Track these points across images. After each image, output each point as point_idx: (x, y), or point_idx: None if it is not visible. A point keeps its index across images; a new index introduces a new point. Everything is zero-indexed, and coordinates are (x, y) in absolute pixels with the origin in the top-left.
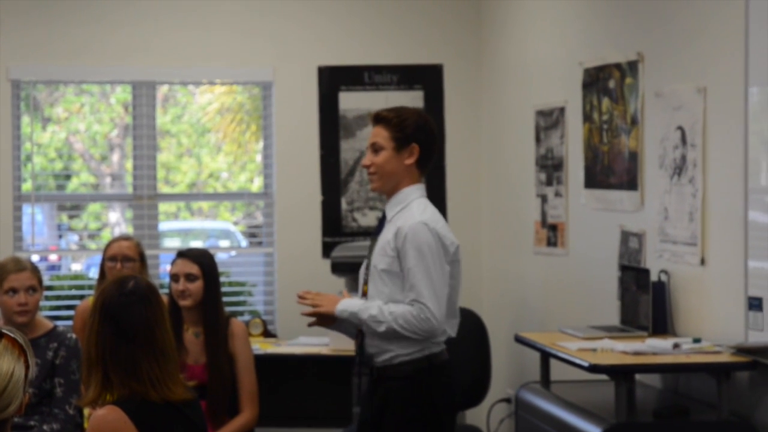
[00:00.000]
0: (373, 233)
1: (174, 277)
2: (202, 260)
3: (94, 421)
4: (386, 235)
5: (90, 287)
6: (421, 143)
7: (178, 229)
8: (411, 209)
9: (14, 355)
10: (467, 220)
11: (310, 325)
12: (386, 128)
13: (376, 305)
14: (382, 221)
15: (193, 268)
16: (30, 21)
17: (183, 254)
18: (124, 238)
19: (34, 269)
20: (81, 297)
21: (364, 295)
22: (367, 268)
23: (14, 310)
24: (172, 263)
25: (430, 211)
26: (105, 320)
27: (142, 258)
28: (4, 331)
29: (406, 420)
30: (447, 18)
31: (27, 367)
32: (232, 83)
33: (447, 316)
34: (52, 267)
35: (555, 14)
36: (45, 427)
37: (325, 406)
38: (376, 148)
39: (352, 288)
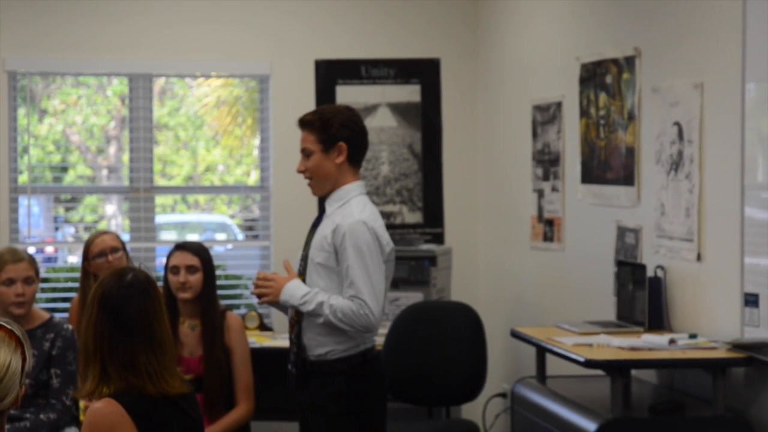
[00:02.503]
0: (311, 226)
1: (174, 269)
2: (201, 253)
3: (91, 413)
4: (324, 230)
5: None
6: (347, 140)
7: (174, 222)
8: (351, 206)
9: (11, 347)
10: (464, 214)
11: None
12: (311, 132)
13: (316, 300)
14: (320, 215)
15: (194, 260)
16: (27, 13)
17: (183, 246)
18: (102, 232)
19: (31, 260)
20: (77, 289)
21: None
22: (303, 259)
23: (11, 301)
24: (170, 255)
25: (368, 209)
26: (103, 313)
27: (124, 247)
28: (1, 322)
29: (339, 413)
30: (444, 12)
31: (24, 360)
32: (229, 76)
33: None
34: (49, 259)
35: (552, 9)
36: (42, 416)
37: None
38: (306, 153)
39: None
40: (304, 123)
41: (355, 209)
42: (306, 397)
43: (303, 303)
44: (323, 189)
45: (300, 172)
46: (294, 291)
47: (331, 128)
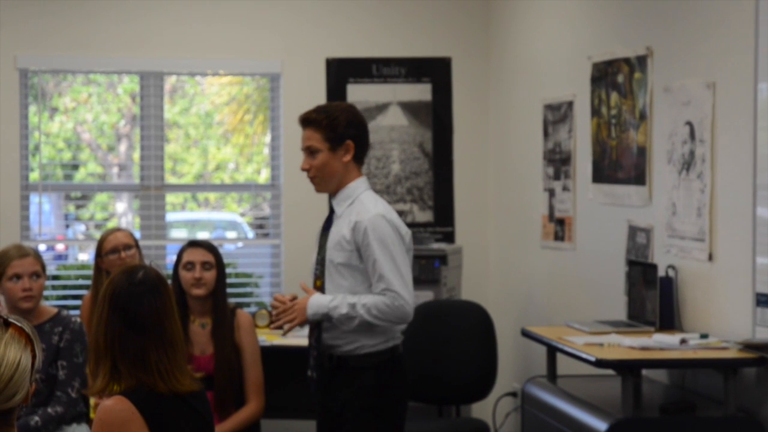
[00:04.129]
0: (322, 228)
1: (188, 265)
2: (215, 250)
3: (102, 411)
4: (340, 230)
5: None
6: (354, 138)
7: (184, 220)
8: (362, 203)
9: (21, 344)
10: (474, 213)
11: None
12: (317, 130)
13: (345, 303)
14: (330, 217)
15: (209, 257)
16: (38, 10)
17: (196, 243)
18: (116, 229)
19: (37, 255)
20: (88, 287)
21: (317, 289)
22: (320, 263)
23: (19, 296)
24: (183, 252)
25: (381, 203)
26: (114, 310)
27: (137, 244)
28: (11, 320)
29: (366, 408)
30: (456, 11)
31: (33, 357)
32: (240, 74)
33: None
34: (59, 257)
35: (564, 8)
36: (49, 409)
37: None
38: (311, 151)
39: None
40: (309, 121)
41: (369, 204)
42: (331, 393)
43: (334, 308)
44: (328, 187)
45: (304, 170)
46: (320, 301)
47: (338, 127)
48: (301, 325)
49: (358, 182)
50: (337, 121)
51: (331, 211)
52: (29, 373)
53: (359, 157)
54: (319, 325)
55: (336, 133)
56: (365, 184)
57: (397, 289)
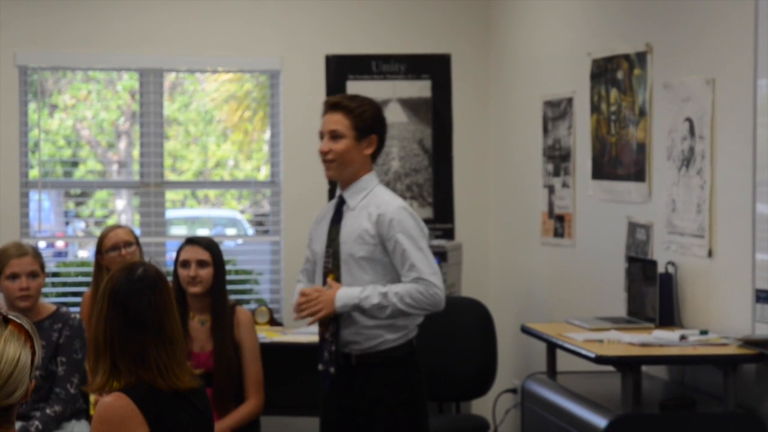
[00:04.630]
0: (331, 220)
1: (184, 263)
2: (212, 247)
3: (101, 408)
4: (360, 223)
5: None
6: (378, 134)
7: (184, 217)
8: (379, 196)
9: (20, 340)
10: (474, 210)
11: (310, 324)
12: (347, 116)
13: (377, 293)
14: (340, 209)
15: (205, 255)
16: (37, 7)
17: (194, 241)
18: (116, 226)
19: (36, 254)
20: (88, 284)
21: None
22: (332, 256)
23: (16, 295)
24: (181, 250)
25: (397, 196)
26: (114, 307)
27: (137, 241)
28: (11, 316)
29: (398, 404)
30: (455, 8)
31: (33, 353)
32: (239, 71)
33: None
34: (59, 254)
35: (563, 5)
36: (48, 410)
37: None
38: (335, 135)
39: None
40: (339, 106)
41: (387, 198)
42: (352, 391)
43: (365, 298)
44: (342, 174)
45: (323, 152)
46: (349, 293)
47: (367, 119)
48: (326, 318)
49: (371, 176)
50: (367, 113)
51: (340, 203)
52: (29, 369)
53: (377, 154)
54: (336, 319)
55: (364, 124)
56: (377, 178)
57: (429, 277)
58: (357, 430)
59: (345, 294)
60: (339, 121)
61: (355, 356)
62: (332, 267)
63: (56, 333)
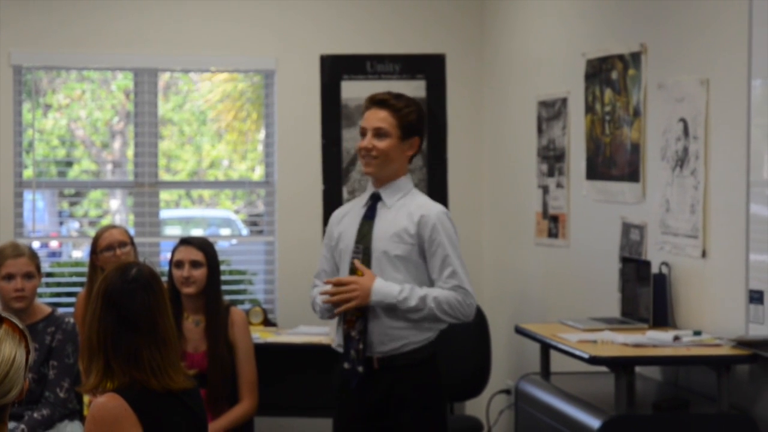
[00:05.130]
0: (364, 216)
1: (178, 264)
2: (206, 248)
3: (95, 408)
4: (399, 222)
5: None
6: (420, 136)
7: (178, 217)
8: (416, 198)
9: (15, 339)
10: (468, 210)
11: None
12: (393, 115)
13: (416, 296)
14: (374, 206)
15: (198, 255)
16: (32, 7)
17: (187, 241)
18: (111, 227)
19: (32, 255)
20: (82, 284)
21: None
22: (363, 252)
23: (11, 295)
24: (175, 250)
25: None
26: (107, 307)
27: (132, 242)
28: (5, 315)
29: (424, 406)
30: (450, 8)
31: (27, 353)
32: (234, 71)
33: None
34: (53, 254)
35: (558, 5)
36: (35, 414)
37: (324, 395)
38: (380, 133)
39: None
40: (386, 103)
41: (428, 200)
42: (378, 393)
43: (403, 300)
44: (381, 172)
45: (365, 149)
46: (387, 289)
47: (413, 121)
48: (355, 312)
49: (408, 177)
50: (413, 114)
51: (375, 200)
52: (24, 369)
53: (413, 157)
54: (364, 317)
55: (410, 125)
56: (411, 181)
57: (468, 288)
58: None
59: (381, 290)
60: (384, 119)
61: (377, 359)
62: (362, 262)
63: (49, 336)
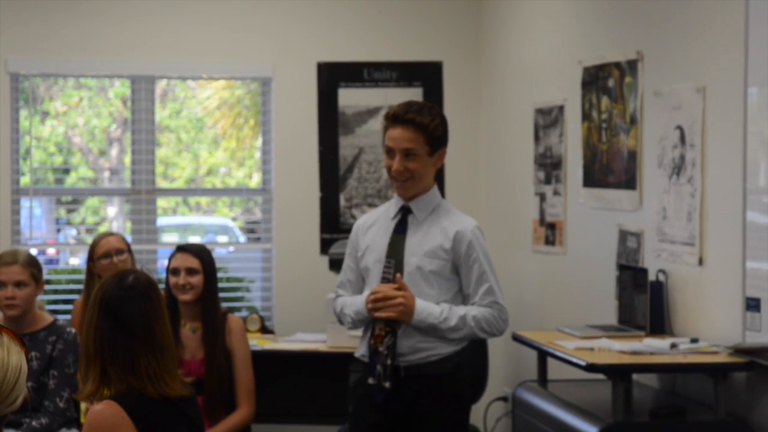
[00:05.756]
0: (394, 230)
1: (174, 271)
2: (203, 255)
3: (92, 416)
4: (433, 237)
5: None
6: (446, 146)
7: (176, 224)
8: (450, 211)
9: (18, 348)
10: None
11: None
12: (420, 133)
13: (456, 316)
14: (404, 220)
15: (194, 263)
16: (29, 14)
17: (183, 248)
18: (108, 234)
19: (28, 263)
20: (79, 291)
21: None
22: (395, 267)
23: (3, 303)
24: (171, 257)
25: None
26: (104, 314)
27: (129, 248)
28: (3, 325)
29: (450, 415)
30: (447, 15)
31: (28, 361)
32: (231, 79)
33: None
34: (50, 261)
35: (555, 12)
36: (34, 422)
37: (321, 402)
38: (409, 153)
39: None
40: (412, 122)
41: (460, 214)
42: (403, 404)
43: (443, 320)
44: (414, 191)
45: (398, 172)
46: (430, 310)
47: (440, 133)
48: (388, 324)
49: (435, 189)
50: (439, 127)
51: (405, 213)
52: (26, 376)
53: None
54: (393, 332)
55: (437, 139)
56: (439, 193)
57: (502, 303)
58: None
59: (425, 310)
60: (413, 139)
61: (404, 368)
62: (391, 277)
63: (50, 345)
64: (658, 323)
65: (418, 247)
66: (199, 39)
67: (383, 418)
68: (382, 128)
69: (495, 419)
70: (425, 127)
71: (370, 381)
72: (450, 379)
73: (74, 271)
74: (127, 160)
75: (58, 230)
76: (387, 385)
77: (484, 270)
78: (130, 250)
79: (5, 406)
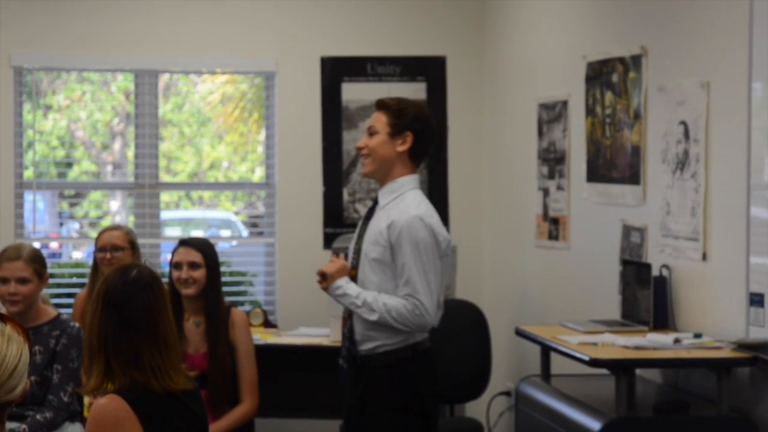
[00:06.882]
0: (364, 218)
1: (177, 265)
2: (205, 249)
3: (96, 409)
4: (379, 224)
5: None
6: (416, 133)
7: (179, 218)
8: (405, 200)
9: (20, 338)
10: (469, 212)
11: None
12: (385, 114)
13: (371, 296)
14: (373, 207)
15: (197, 257)
16: (32, 8)
17: (186, 242)
18: (114, 227)
19: (31, 259)
20: (81, 285)
21: (352, 279)
22: (356, 253)
23: (5, 298)
24: (174, 251)
25: (424, 205)
26: (108, 309)
27: (133, 246)
28: (7, 316)
29: (390, 409)
30: (450, 10)
31: (31, 353)
32: (234, 73)
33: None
34: (53, 255)
35: (558, 7)
36: (38, 416)
37: (324, 396)
38: (371, 132)
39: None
40: (382, 104)
41: (411, 204)
42: (357, 392)
43: (356, 297)
44: (377, 172)
45: (358, 148)
46: (348, 288)
47: (405, 116)
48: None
49: (408, 178)
50: (405, 111)
51: (375, 202)
52: (27, 367)
53: (416, 155)
54: (351, 315)
55: (401, 122)
56: (414, 182)
57: (422, 298)
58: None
59: (342, 287)
60: (378, 119)
61: (360, 357)
62: (355, 264)
63: (54, 340)
64: (662, 318)
65: (370, 234)
66: (202, 33)
67: (347, 404)
68: None
69: (498, 414)
70: (389, 107)
71: (340, 362)
72: (395, 372)
73: (77, 264)
74: (130, 154)
75: (61, 224)
76: (344, 365)
77: (406, 261)
78: (134, 247)
79: (4, 393)
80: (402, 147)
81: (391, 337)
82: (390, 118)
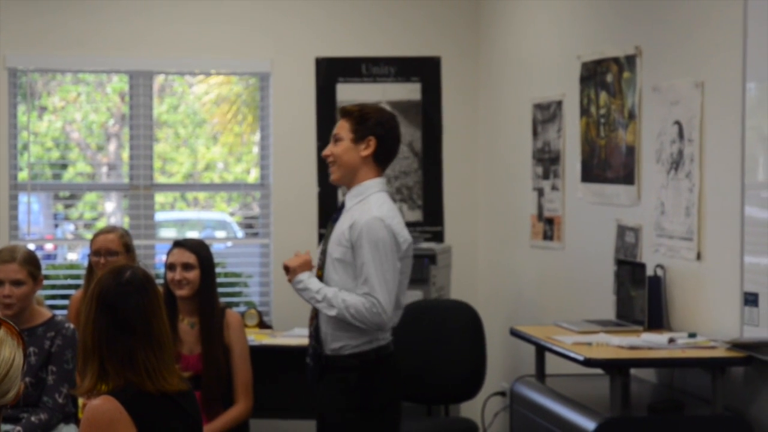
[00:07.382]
0: (331, 220)
1: (170, 267)
2: (199, 250)
3: (89, 411)
4: (342, 225)
5: None
6: (378, 137)
7: (174, 220)
8: (369, 202)
9: (14, 342)
10: (464, 213)
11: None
12: (348, 121)
13: (332, 289)
14: (340, 209)
15: (190, 258)
16: (28, 10)
17: (179, 244)
18: (109, 229)
19: (26, 261)
20: (76, 286)
21: (319, 278)
22: (323, 253)
23: (0, 301)
24: (168, 253)
25: (386, 206)
26: (102, 310)
27: (128, 249)
28: (2, 319)
29: (343, 409)
30: (445, 10)
31: (25, 356)
32: (229, 74)
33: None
34: (48, 256)
35: (553, 8)
36: (33, 418)
37: None
38: (336, 139)
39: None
40: (344, 112)
41: (373, 205)
42: (320, 391)
43: (317, 292)
44: (344, 178)
45: (324, 156)
46: (311, 283)
47: (367, 122)
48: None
49: (374, 181)
50: (367, 117)
51: (342, 205)
52: (21, 371)
53: (381, 159)
54: (317, 314)
55: (363, 127)
56: (380, 185)
57: (379, 297)
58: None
59: (306, 281)
60: (341, 126)
61: (325, 357)
62: (321, 264)
63: (49, 341)
64: (656, 318)
65: (334, 235)
66: (197, 34)
67: (317, 401)
68: None
69: (493, 414)
70: (351, 114)
71: (307, 360)
72: (357, 374)
73: (72, 266)
74: (125, 155)
75: (56, 225)
76: (308, 360)
77: (365, 261)
78: (129, 250)
79: None
80: (366, 152)
81: (355, 338)
82: (352, 125)
